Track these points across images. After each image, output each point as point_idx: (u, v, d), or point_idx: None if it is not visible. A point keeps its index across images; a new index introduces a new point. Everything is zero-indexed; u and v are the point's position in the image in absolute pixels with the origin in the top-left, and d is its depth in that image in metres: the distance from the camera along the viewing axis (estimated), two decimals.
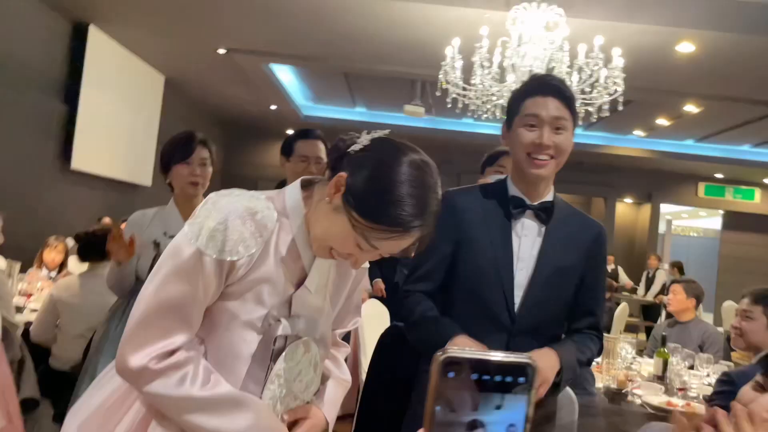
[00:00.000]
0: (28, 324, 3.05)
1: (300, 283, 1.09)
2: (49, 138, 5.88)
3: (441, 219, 1.48)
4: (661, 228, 12.46)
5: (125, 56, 6.85)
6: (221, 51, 6.52)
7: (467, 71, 4.48)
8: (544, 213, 1.55)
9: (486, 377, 0.40)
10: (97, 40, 6.18)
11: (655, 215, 11.73)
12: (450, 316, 1.49)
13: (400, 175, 0.97)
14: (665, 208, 12.13)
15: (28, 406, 2.34)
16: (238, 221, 0.99)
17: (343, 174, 0.99)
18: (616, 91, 4.17)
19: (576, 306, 1.60)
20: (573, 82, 4.23)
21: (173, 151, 2.15)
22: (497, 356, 0.41)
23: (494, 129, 9.30)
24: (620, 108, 4.20)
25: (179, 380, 0.97)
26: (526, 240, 1.54)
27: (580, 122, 4.94)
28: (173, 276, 0.99)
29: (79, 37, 6.03)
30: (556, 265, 1.54)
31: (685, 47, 5.14)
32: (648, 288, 8.99)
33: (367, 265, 1.20)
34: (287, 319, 1.06)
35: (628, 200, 12.17)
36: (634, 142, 9.55)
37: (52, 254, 4.06)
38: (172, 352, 0.98)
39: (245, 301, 1.02)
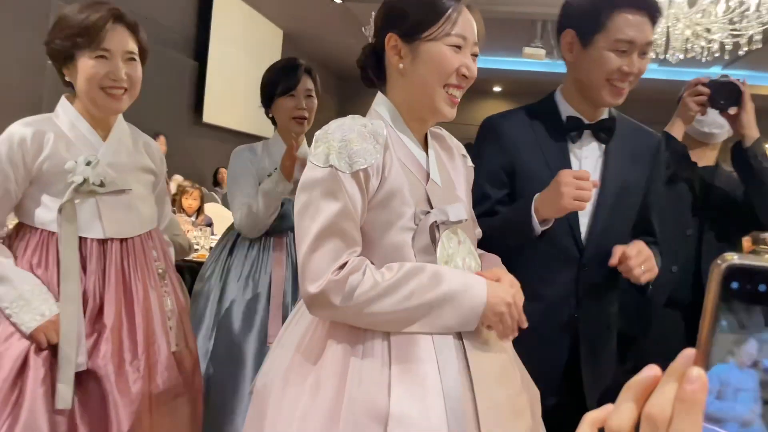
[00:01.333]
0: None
1: (426, 180, 1.14)
2: (183, 92, 6.24)
3: (489, 146, 1.40)
4: None
5: (248, 12, 7.08)
6: (337, 0, 6.55)
7: None
8: (605, 132, 1.40)
9: None
10: None
11: None
12: (513, 255, 1.34)
13: None
14: None
15: None
16: (355, 135, 1.05)
17: (389, 34, 1.11)
18: None
19: (636, 223, 1.47)
20: (719, 12, 3.84)
21: (276, 82, 1.99)
22: None
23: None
24: None
25: (362, 275, 1.02)
26: (587, 162, 1.40)
27: (726, 57, 4.48)
28: (320, 202, 1.03)
29: None
30: (620, 187, 1.41)
31: None
32: None
33: (471, 164, 1.28)
34: (433, 210, 1.10)
35: None
36: None
37: (189, 201, 4.35)
38: (344, 265, 1.03)
39: (392, 207, 1.08)
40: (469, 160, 1.29)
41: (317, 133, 1.09)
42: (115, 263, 1.46)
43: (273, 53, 7.97)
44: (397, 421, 0.97)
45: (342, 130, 1.06)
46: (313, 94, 2.02)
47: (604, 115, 1.43)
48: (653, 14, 1.32)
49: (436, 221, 1.08)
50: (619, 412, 0.36)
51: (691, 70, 8.25)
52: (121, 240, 1.48)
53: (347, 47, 9.16)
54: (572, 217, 1.37)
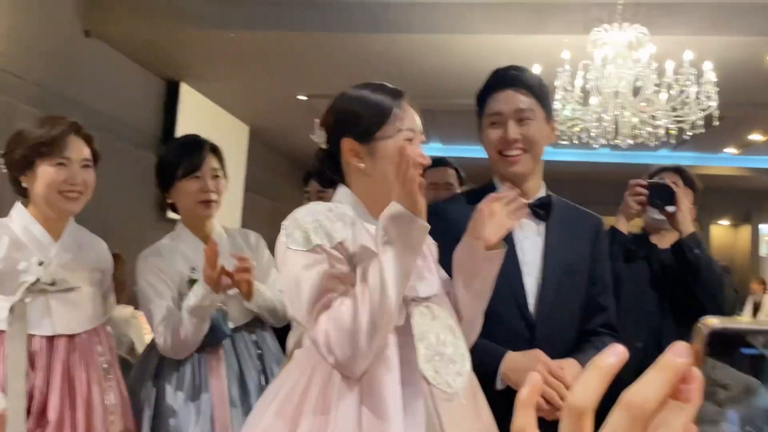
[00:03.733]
0: None
1: None
2: (149, 189, 6.24)
3: (434, 234, 1.45)
4: (763, 251, 11.68)
5: (213, 110, 7.24)
6: (301, 97, 6.77)
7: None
8: (542, 209, 1.47)
9: (761, 350, 0.35)
10: (188, 96, 6.58)
11: (755, 237, 11.02)
12: None
13: (359, 92, 1.24)
14: (766, 228, 11.38)
15: None
16: (323, 215, 1.11)
17: (345, 139, 1.19)
18: (709, 106, 4.00)
19: (588, 303, 1.50)
20: (662, 100, 4.10)
21: (177, 162, 1.81)
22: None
23: (575, 156, 9.11)
24: (715, 123, 4.02)
25: (339, 306, 1.03)
26: (528, 242, 1.46)
27: (672, 141, 4.72)
28: (308, 271, 1.05)
29: (172, 94, 6.44)
30: (563, 264, 1.45)
31: None
32: (755, 316, 8.39)
33: (433, 242, 1.32)
34: None
35: (724, 222, 11.50)
36: (727, 161, 9.08)
37: None
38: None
39: None
40: (429, 237, 1.32)
41: (285, 222, 1.13)
42: (61, 359, 1.50)
43: (240, 148, 8.10)
44: None
45: (311, 213, 1.11)
46: (220, 174, 1.86)
47: (541, 193, 1.51)
48: (519, 85, 1.44)
49: (407, 295, 1.10)
50: (585, 387, 0.33)
51: (641, 153, 8.66)
52: (69, 336, 1.53)
53: (313, 142, 9.41)
54: (520, 297, 1.41)
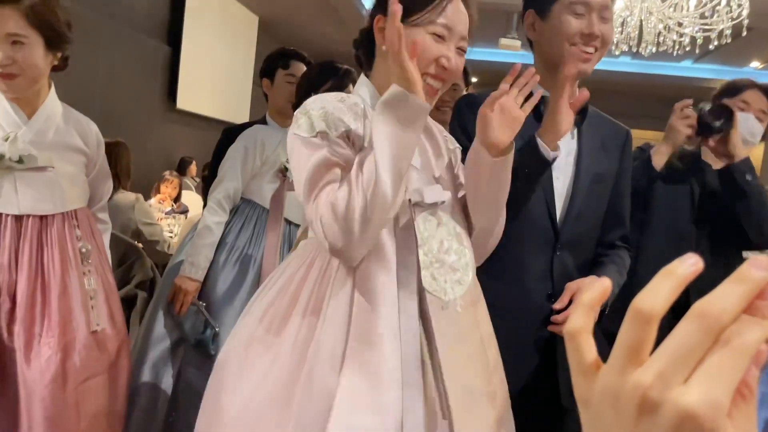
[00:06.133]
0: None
1: None
2: (157, 79, 6.14)
3: (468, 123, 1.37)
4: None
5: None
6: None
7: None
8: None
9: None
10: None
11: None
12: None
13: None
14: None
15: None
16: (332, 105, 1.07)
17: (378, 16, 1.11)
18: (741, 14, 3.81)
19: (607, 214, 1.47)
20: (691, 6, 3.91)
21: (318, 79, 1.92)
22: None
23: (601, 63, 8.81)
24: (744, 33, 3.86)
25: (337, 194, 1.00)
26: (561, 144, 1.37)
27: (696, 51, 4.54)
28: (308, 157, 1.03)
29: None
30: (593, 172, 1.42)
31: None
32: None
33: (455, 146, 1.27)
34: (408, 190, 1.10)
35: None
36: (751, 75, 8.80)
37: (168, 189, 4.31)
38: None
39: None
40: (452, 142, 1.30)
41: (297, 111, 1.10)
42: (30, 240, 1.46)
43: (248, 39, 7.87)
44: (345, 397, 0.98)
45: (320, 101, 1.08)
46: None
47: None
48: None
49: (410, 200, 1.09)
50: (655, 292, 0.31)
51: (661, 63, 8.39)
52: (40, 217, 1.49)
53: (323, 35, 9.11)
54: (550, 201, 1.38)
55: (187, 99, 6.43)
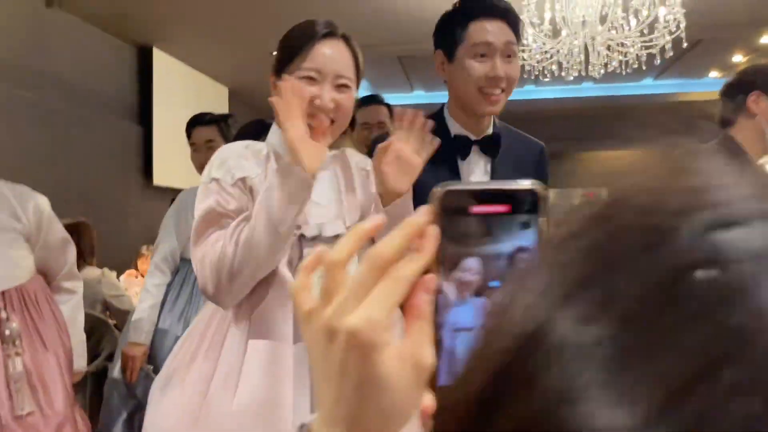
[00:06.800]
0: None
1: None
2: (131, 158, 6.25)
3: None
4: None
5: (189, 73, 7.16)
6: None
7: None
8: (491, 148, 1.42)
9: (489, 208, 0.38)
10: (161, 61, 6.51)
11: None
12: None
13: (290, 29, 1.23)
14: None
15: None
16: (234, 153, 1.15)
17: (271, 73, 1.22)
18: (678, 27, 3.96)
19: None
20: (631, 26, 4.06)
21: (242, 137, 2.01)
22: (500, 185, 0.39)
23: (560, 92, 9.04)
24: (684, 45, 3.99)
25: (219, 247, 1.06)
26: (475, 177, 1.42)
27: (651, 67, 4.65)
28: (200, 203, 1.11)
29: (145, 60, 6.38)
30: None
31: None
32: None
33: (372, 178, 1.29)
34: (307, 225, 1.15)
35: None
36: (712, 85, 9.01)
37: (145, 264, 4.33)
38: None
39: None
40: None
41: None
42: None
43: (220, 109, 8.02)
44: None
45: (225, 150, 1.17)
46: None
47: (490, 129, 1.47)
48: (509, 19, 1.35)
49: (303, 234, 1.13)
50: (342, 245, 0.38)
51: (624, 85, 8.60)
52: None
53: None
54: None
55: (162, 174, 6.53)
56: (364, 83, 7.80)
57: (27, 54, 4.88)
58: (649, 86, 8.95)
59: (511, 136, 1.51)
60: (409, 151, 1.12)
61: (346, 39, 1.21)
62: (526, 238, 0.39)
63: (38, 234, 1.65)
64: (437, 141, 1.17)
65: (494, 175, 1.45)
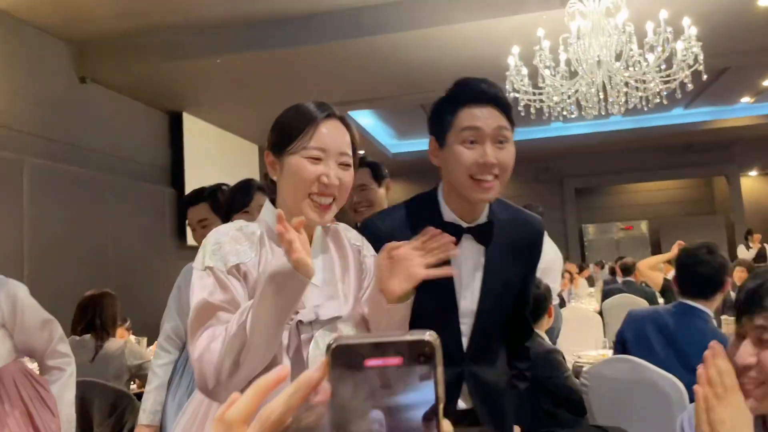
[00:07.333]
0: None
1: None
2: (165, 221, 6.42)
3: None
4: None
5: (219, 134, 7.38)
6: None
7: (534, 77, 4.40)
8: (484, 236, 1.37)
9: (383, 361, 0.38)
10: (191, 124, 6.73)
11: None
12: None
13: (288, 109, 1.22)
14: None
15: None
16: (228, 238, 1.14)
17: (266, 152, 1.22)
18: (696, 61, 3.91)
19: (514, 318, 1.49)
20: (649, 61, 4.03)
21: (232, 200, 2.03)
22: (392, 337, 0.38)
23: (586, 128, 8.97)
24: (704, 78, 3.93)
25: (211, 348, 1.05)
26: (467, 266, 1.36)
27: (674, 99, 4.56)
28: (195, 294, 1.10)
29: (175, 124, 6.61)
30: (501, 283, 1.39)
31: None
32: None
33: (370, 254, 1.30)
34: (303, 309, 1.13)
35: (753, 173, 11.16)
36: (745, 110, 8.81)
37: None
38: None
39: None
40: (368, 248, 1.32)
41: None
42: None
43: (250, 167, 8.22)
44: None
45: (216, 234, 1.15)
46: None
47: (485, 216, 1.40)
48: (499, 104, 1.32)
49: (301, 320, 1.12)
50: (240, 402, 0.40)
51: (654, 116, 8.49)
52: None
53: None
54: (453, 321, 1.37)
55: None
56: (390, 131, 7.96)
57: (63, 128, 5.11)
58: (679, 115, 8.81)
59: (507, 219, 1.43)
60: (414, 259, 1.12)
61: (342, 119, 1.23)
62: (423, 389, 0.38)
63: (13, 319, 1.73)
64: (449, 270, 1.14)
65: (488, 265, 1.39)
